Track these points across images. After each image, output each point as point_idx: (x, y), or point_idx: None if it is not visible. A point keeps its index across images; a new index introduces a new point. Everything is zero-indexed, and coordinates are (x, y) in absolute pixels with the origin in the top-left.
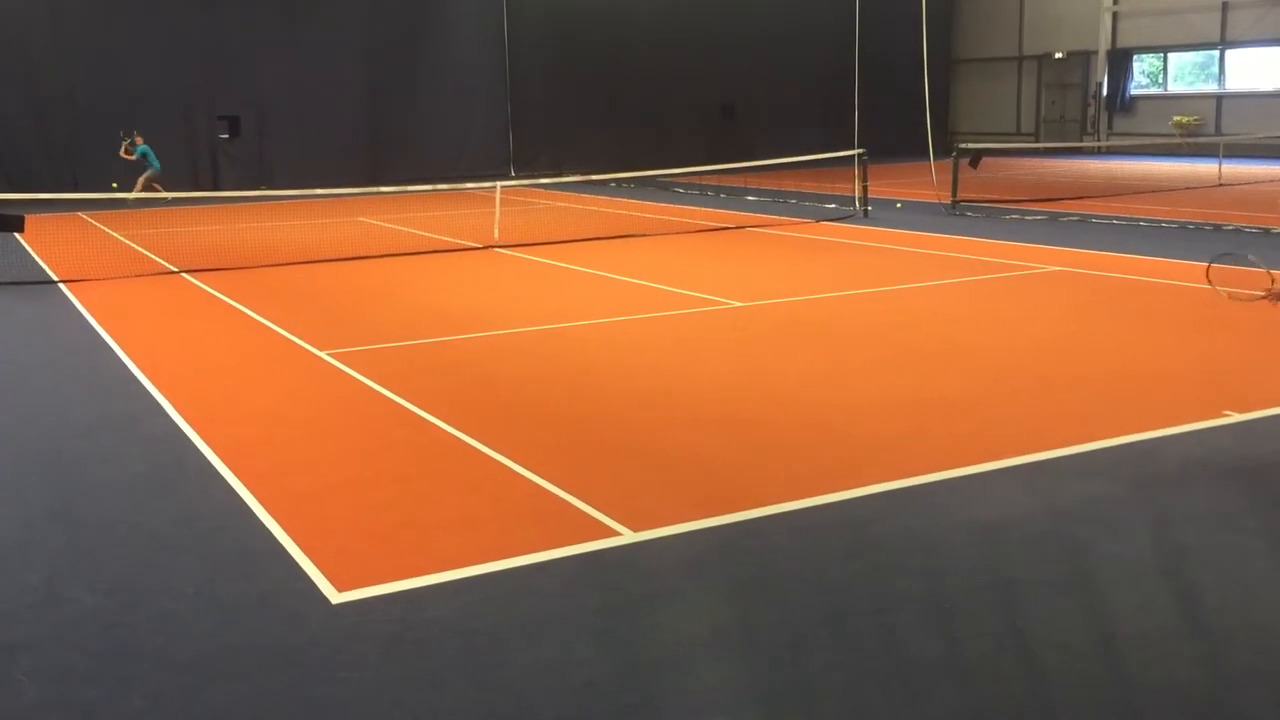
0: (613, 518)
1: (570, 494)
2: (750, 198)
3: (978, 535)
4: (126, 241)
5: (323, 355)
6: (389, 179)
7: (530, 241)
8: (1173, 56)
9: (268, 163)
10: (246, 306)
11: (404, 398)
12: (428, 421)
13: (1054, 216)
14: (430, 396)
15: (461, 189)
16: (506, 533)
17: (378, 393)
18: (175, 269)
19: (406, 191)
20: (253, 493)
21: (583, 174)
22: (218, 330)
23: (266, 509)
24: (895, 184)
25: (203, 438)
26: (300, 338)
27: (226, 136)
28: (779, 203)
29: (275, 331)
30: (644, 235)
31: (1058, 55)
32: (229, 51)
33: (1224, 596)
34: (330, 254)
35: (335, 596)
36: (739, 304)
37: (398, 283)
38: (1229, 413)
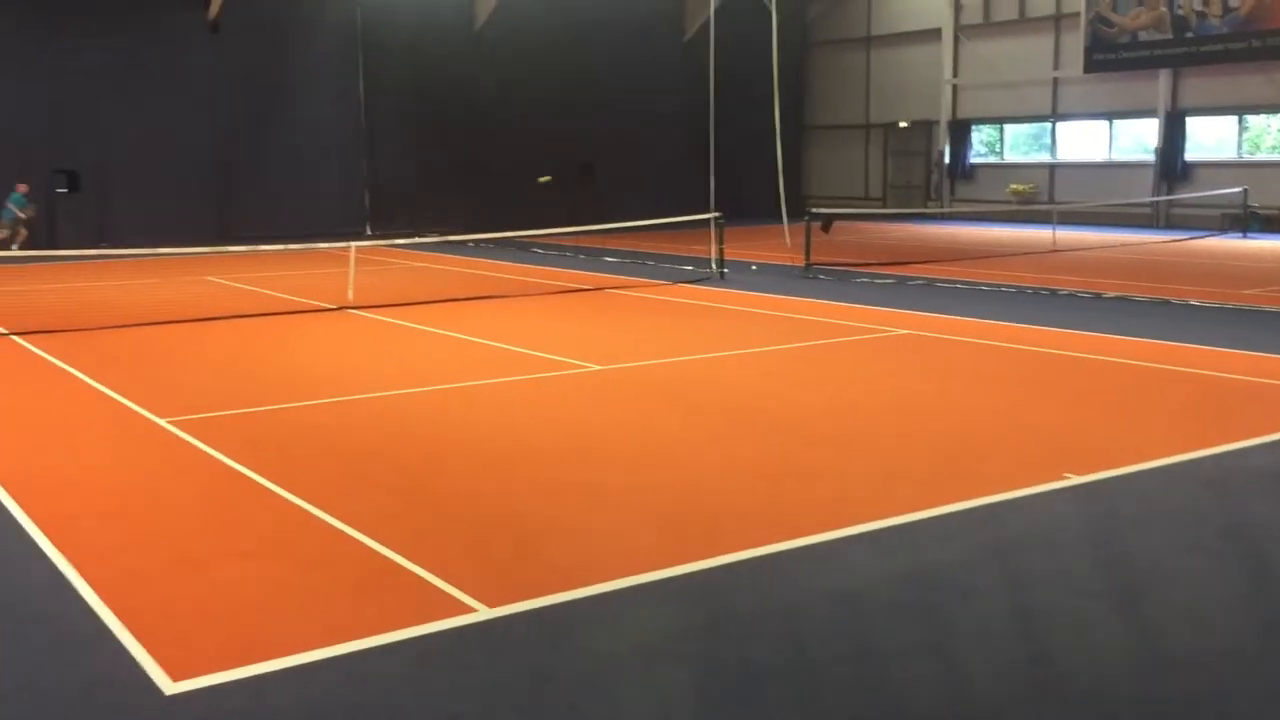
0: (467, 593)
1: (423, 568)
2: (608, 259)
3: (837, 603)
4: None
5: (163, 423)
6: (239, 237)
7: (385, 302)
8: (1009, 128)
9: (109, 219)
10: (82, 371)
11: (249, 468)
12: (274, 493)
13: (902, 280)
14: (277, 466)
15: (315, 248)
16: (356, 612)
17: (221, 462)
18: (4, 331)
19: (257, 250)
20: (80, 573)
21: (440, 233)
22: (49, 396)
23: (95, 590)
24: (751, 246)
25: (26, 513)
26: (139, 404)
27: (65, 191)
28: (637, 264)
29: (112, 398)
30: (502, 296)
31: (902, 124)
32: (68, 102)
33: (1074, 660)
34: (175, 315)
35: (170, 686)
36: (596, 367)
37: (246, 345)
38: (1069, 475)
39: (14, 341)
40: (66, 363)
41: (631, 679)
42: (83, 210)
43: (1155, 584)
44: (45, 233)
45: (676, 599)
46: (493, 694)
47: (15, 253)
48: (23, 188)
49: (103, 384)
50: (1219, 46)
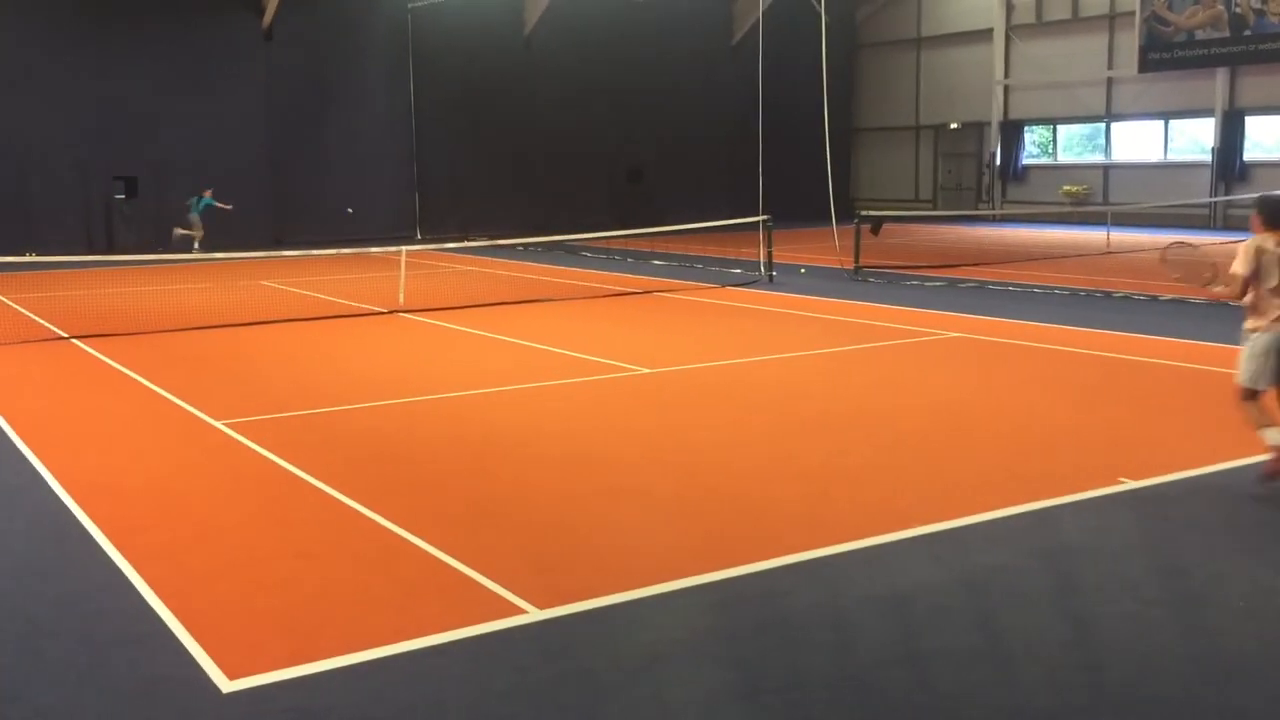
0: (518, 594)
1: (474, 570)
2: (657, 262)
3: (887, 607)
4: (13, 305)
5: (219, 425)
6: (292, 241)
7: (436, 306)
8: (1061, 128)
9: (165, 224)
10: (139, 374)
11: (303, 469)
12: (328, 494)
13: (952, 283)
14: (331, 468)
15: (367, 252)
16: (408, 612)
17: (276, 464)
18: (65, 334)
19: (310, 254)
20: (139, 572)
21: (490, 238)
22: (108, 399)
23: (154, 590)
24: (799, 249)
25: (87, 513)
26: (195, 407)
27: (123, 197)
28: (686, 267)
29: (169, 400)
30: (551, 300)
31: (953, 126)
32: (127, 111)
33: (1129, 667)
34: (230, 319)
35: (226, 685)
36: (646, 370)
37: (299, 349)
38: (1124, 480)
39: (74, 344)
40: (124, 365)
41: (679, 682)
42: (140, 215)
43: (1213, 591)
44: (103, 238)
45: (725, 602)
46: (543, 694)
47: (71, 258)
48: (208, 193)
49: (159, 386)
50: (1279, 44)
